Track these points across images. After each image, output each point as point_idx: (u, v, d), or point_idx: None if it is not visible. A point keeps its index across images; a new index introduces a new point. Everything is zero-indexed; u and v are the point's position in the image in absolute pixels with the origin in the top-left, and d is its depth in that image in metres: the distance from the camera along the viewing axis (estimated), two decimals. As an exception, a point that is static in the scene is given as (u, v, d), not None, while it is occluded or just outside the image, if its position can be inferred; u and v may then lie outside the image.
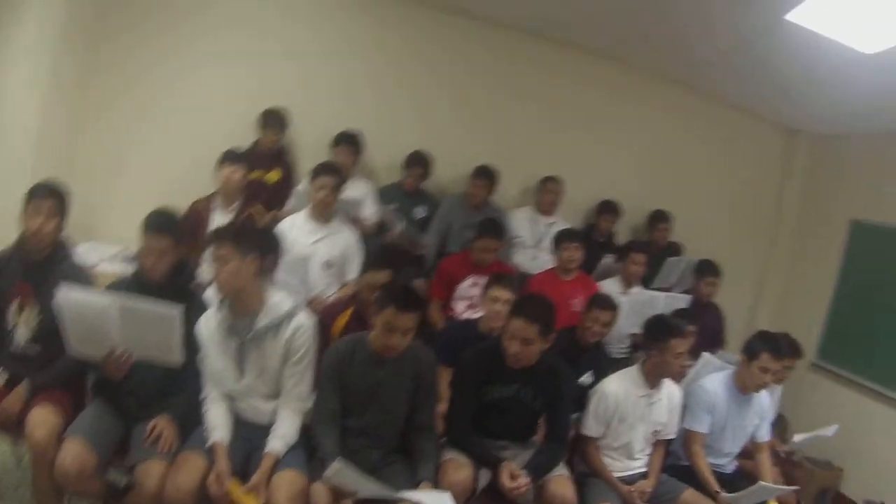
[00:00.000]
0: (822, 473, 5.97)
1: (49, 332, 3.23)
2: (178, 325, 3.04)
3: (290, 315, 3.31)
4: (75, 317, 3.01)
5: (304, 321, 3.35)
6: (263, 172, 5.36)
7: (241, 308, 3.26)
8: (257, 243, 3.31)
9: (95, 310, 2.99)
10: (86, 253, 4.63)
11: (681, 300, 5.45)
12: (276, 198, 5.32)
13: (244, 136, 5.40)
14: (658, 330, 4.03)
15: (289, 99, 5.51)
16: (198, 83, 5.56)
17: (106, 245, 5.16)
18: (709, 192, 7.04)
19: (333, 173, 4.71)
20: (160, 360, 3.16)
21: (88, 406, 3.34)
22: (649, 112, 6.66)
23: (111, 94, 5.46)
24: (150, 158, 5.56)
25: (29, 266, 3.35)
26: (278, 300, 3.33)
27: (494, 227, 5.15)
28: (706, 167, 7.00)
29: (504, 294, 4.19)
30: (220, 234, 3.29)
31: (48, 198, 3.32)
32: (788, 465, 5.01)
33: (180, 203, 4.72)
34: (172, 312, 3.01)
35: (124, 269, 4.62)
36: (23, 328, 3.37)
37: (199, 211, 4.82)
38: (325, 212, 4.73)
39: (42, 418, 3.12)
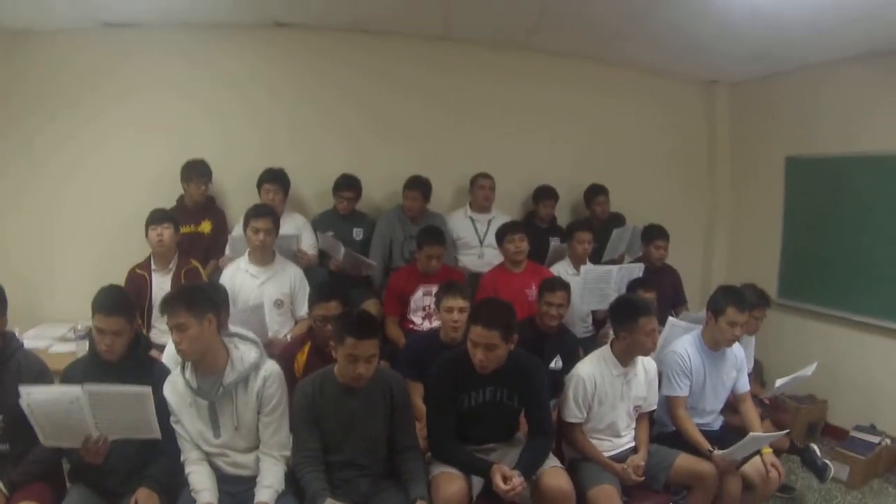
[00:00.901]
0: (807, 409, 6.04)
1: (15, 429, 3.11)
2: (151, 402, 2.98)
3: (256, 366, 3.30)
4: (43, 413, 2.92)
5: (272, 369, 3.34)
6: (195, 226, 5.30)
7: (207, 368, 3.23)
8: (209, 301, 3.26)
9: (63, 403, 2.90)
10: (35, 338, 4.69)
11: (635, 269, 5.44)
12: (212, 248, 5.31)
13: (169, 193, 5.32)
14: (625, 311, 3.99)
15: (207, 148, 5.41)
16: (113, 150, 5.45)
17: (54, 326, 5.12)
18: (641, 158, 7.05)
19: (267, 215, 4.71)
20: (136, 437, 3.08)
21: (69, 493, 3.24)
22: (568, 92, 6.65)
23: (26, 178, 5.37)
24: (80, 231, 5.46)
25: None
26: (242, 352, 3.32)
27: (434, 234, 5.14)
28: (633, 134, 7.02)
29: (458, 302, 4.18)
30: (171, 302, 3.18)
31: None
32: (773, 410, 5.01)
33: (118, 267, 4.77)
34: (143, 391, 2.96)
35: (77, 346, 4.60)
36: (-13, 430, 3.25)
37: (139, 276, 4.77)
38: (264, 254, 4.75)
39: None
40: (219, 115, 5.63)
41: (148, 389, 2.97)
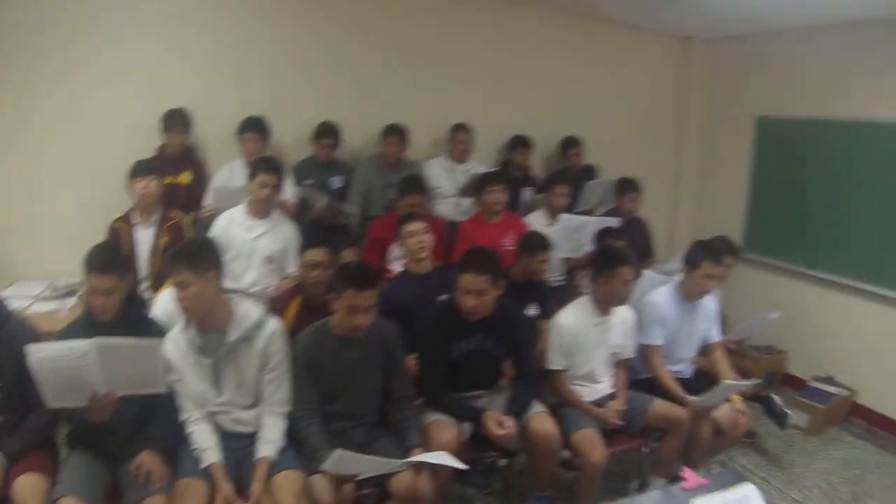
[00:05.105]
0: (767, 359, 6.29)
1: (11, 399, 3.09)
2: (160, 354, 3.01)
3: (260, 323, 3.28)
4: (51, 372, 2.85)
5: (276, 326, 3.34)
6: (175, 176, 5.19)
7: (210, 326, 3.21)
8: (212, 258, 3.23)
9: (72, 359, 2.84)
10: (13, 298, 4.47)
11: (610, 222, 5.55)
12: (192, 199, 5.18)
13: (146, 143, 5.20)
14: (605, 260, 4.16)
15: (187, 98, 5.32)
16: (96, 101, 5.27)
17: (31, 284, 4.99)
18: (614, 111, 7.13)
19: (274, 171, 4.62)
20: (143, 392, 3.06)
21: (69, 459, 3.19)
22: (543, 45, 6.66)
23: (10, 131, 5.20)
24: (60, 183, 5.29)
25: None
26: (245, 310, 3.29)
27: (416, 184, 5.16)
28: (607, 88, 7.08)
29: (419, 225, 4.25)
30: (174, 259, 3.14)
31: None
32: (736, 356, 5.20)
33: (99, 220, 4.70)
34: (153, 342, 2.98)
35: (58, 305, 4.56)
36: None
37: (120, 230, 4.67)
38: (265, 208, 4.68)
39: (29, 487, 2.94)
40: (197, 64, 5.52)
41: (158, 341, 3.01)
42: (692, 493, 2.61)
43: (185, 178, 5.26)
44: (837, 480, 4.93)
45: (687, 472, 2.74)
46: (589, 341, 4.10)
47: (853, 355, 5.97)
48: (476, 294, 3.55)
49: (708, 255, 4.32)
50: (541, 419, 3.75)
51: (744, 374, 4.75)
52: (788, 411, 5.00)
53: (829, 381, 5.95)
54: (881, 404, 5.78)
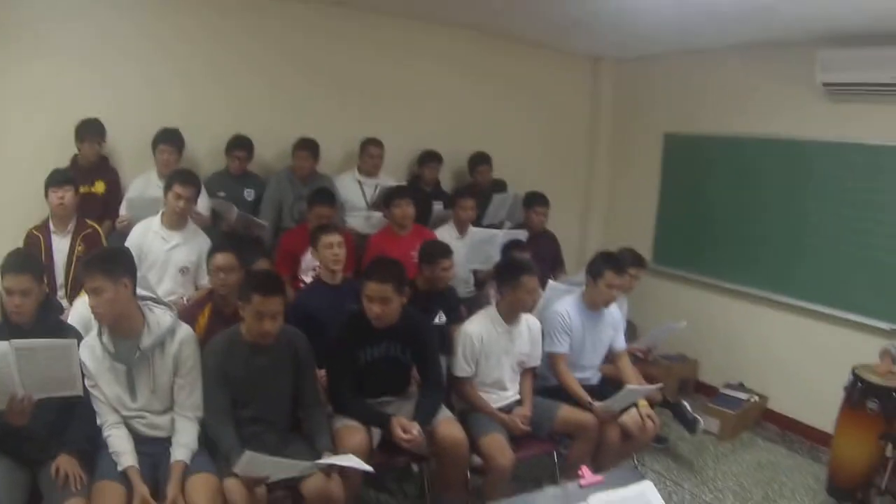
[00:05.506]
0: (678, 367, 6.41)
1: None
2: (77, 355, 2.99)
3: (172, 330, 3.33)
4: None
5: (188, 332, 3.40)
6: (89, 186, 5.13)
7: (123, 332, 3.22)
8: (125, 265, 3.25)
9: None
10: None
11: (518, 234, 5.64)
12: (107, 209, 5.15)
13: (59, 154, 5.07)
14: (509, 270, 4.23)
15: (101, 109, 5.19)
16: (9, 111, 5.08)
17: None
18: (526, 127, 7.22)
19: (190, 183, 4.66)
20: (60, 394, 3.02)
21: None
22: (455, 62, 6.71)
23: None
24: None
25: None
26: (157, 317, 3.33)
27: (325, 196, 5.18)
28: (520, 105, 7.16)
29: (335, 237, 4.35)
30: (89, 265, 3.16)
31: None
32: (646, 366, 5.27)
33: (14, 230, 4.63)
34: (69, 342, 2.97)
35: None
36: None
37: (37, 238, 4.63)
38: (180, 220, 4.70)
39: None
40: (112, 75, 5.37)
41: (73, 341, 2.98)
42: (589, 490, 2.61)
43: (99, 187, 5.20)
44: (749, 482, 5.02)
45: (584, 470, 2.74)
46: (495, 349, 4.15)
47: (762, 362, 6.12)
48: (381, 301, 3.64)
49: (610, 265, 4.43)
50: (448, 425, 3.81)
51: (653, 381, 4.80)
52: (698, 417, 5.06)
53: (739, 387, 6.08)
54: (791, 409, 5.92)
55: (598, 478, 2.66)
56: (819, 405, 5.20)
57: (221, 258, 4.02)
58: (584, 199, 7.83)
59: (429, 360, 3.98)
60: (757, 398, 5.99)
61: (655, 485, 2.54)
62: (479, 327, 4.14)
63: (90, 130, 5.09)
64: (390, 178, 6.07)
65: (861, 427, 4.42)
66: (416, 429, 3.61)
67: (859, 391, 4.42)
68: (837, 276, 5.58)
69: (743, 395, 5.94)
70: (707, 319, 6.43)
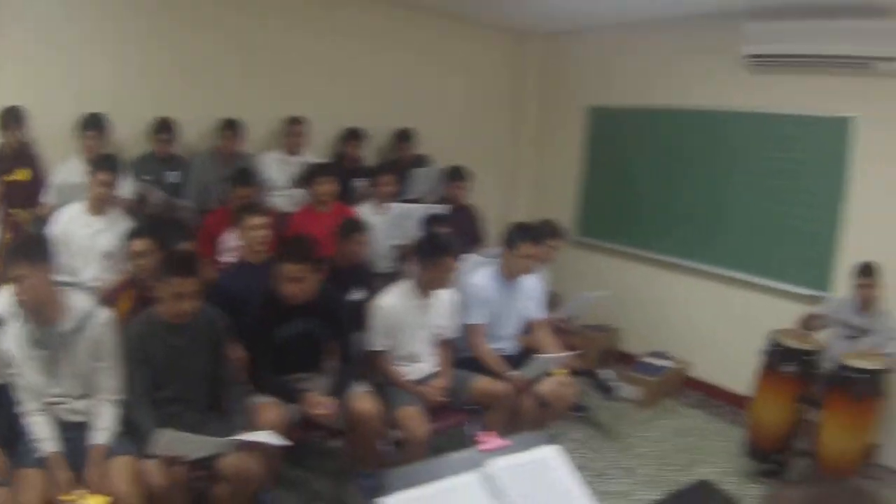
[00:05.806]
0: (600, 336, 6.51)
1: None
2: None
3: (91, 313, 3.33)
4: None
5: (106, 316, 3.39)
6: (11, 174, 5.05)
7: (44, 318, 3.22)
8: (47, 252, 3.29)
9: None
10: None
11: (437, 209, 5.69)
12: (30, 196, 5.07)
13: None
14: (431, 248, 4.24)
15: (22, 95, 5.09)
16: None
17: None
18: (451, 103, 7.25)
19: (112, 168, 4.66)
20: None
21: None
22: (378, 38, 6.68)
23: None
24: None
25: None
26: (76, 301, 3.34)
27: (245, 176, 5.17)
28: (444, 80, 7.18)
29: (260, 219, 4.39)
30: (13, 254, 3.18)
31: None
32: (567, 336, 5.34)
33: None
34: None
35: None
36: None
37: None
38: (103, 205, 4.68)
39: None
40: (32, 60, 5.25)
41: None
42: (490, 454, 2.64)
43: (22, 175, 5.11)
44: (671, 448, 5.16)
45: (485, 436, 2.78)
46: (410, 322, 4.18)
47: (685, 331, 6.27)
48: (296, 281, 3.69)
49: (525, 235, 4.47)
50: (361, 398, 3.84)
51: (573, 351, 4.86)
52: (615, 384, 5.16)
53: (661, 355, 6.21)
54: (712, 375, 6.09)
55: (503, 442, 2.70)
56: (740, 371, 5.30)
57: (138, 243, 4.03)
58: (510, 172, 7.90)
59: (343, 336, 4.02)
60: (677, 365, 6.13)
61: (573, 453, 2.60)
62: (393, 300, 4.16)
63: (12, 118, 5.02)
64: (314, 156, 6.05)
65: (778, 390, 4.58)
66: (328, 402, 3.66)
67: (776, 355, 4.57)
68: (758, 245, 5.75)
69: (664, 363, 6.08)
70: (631, 289, 6.57)
